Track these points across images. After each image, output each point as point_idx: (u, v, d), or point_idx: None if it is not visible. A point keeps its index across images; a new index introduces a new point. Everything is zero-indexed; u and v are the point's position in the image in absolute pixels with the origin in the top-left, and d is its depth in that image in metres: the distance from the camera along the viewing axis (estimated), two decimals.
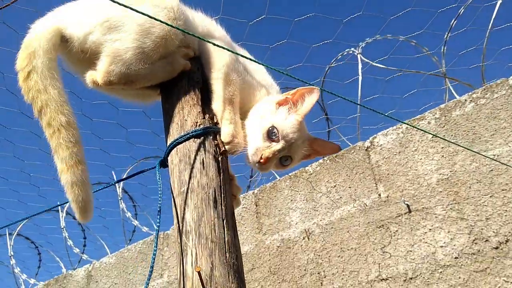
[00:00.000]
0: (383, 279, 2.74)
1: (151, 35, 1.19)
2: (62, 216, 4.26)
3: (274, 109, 1.38)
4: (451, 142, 2.62)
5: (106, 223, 5.36)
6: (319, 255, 3.04)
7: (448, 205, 2.68)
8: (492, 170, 2.61)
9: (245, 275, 3.40)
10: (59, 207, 4.36)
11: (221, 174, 1.13)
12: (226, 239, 1.03)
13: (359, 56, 3.36)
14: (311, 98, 1.36)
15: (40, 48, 1.21)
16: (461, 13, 3.50)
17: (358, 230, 2.95)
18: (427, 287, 2.57)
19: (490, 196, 2.56)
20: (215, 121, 1.22)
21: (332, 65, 3.56)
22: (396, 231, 2.80)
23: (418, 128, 2.91)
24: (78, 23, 1.24)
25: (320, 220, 3.13)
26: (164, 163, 1.21)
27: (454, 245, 2.58)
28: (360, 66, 3.29)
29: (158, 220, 1.04)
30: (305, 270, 3.05)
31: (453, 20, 3.53)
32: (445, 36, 3.55)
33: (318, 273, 2.98)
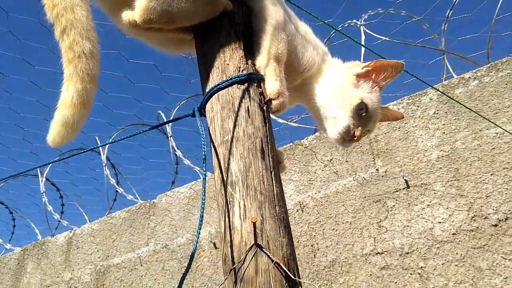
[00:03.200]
0: (378, 252, 2.72)
1: None
2: (42, 181, 4.08)
3: (356, 82, 1.34)
4: (477, 113, 2.59)
5: (84, 192, 5.21)
6: (312, 228, 3.00)
7: (448, 181, 2.67)
8: (494, 148, 2.60)
9: None
10: (39, 172, 4.19)
11: (267, 124, 1.03)
12: (275, 192, 0.94)
13: (362, 28, 3.28)
14: (395, 73, 1.36)
15: None
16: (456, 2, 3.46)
17: (354, 204, 2.92)
18: (424, 262, 2.57)
19: (491, 174, 2.56)
20: (257, 67, 1.12)
21: (335, 42, 3.48)
22: (393, 206, 2.78)
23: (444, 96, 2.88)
24: None
25: (315, 193, 3.09)
26: (200, 111, 1.10)
27: (452, 221, 2.57)
28: (363, 38, 3.21)
29: (204, 168, 0.94)
30: (298, 242, 3.01)
31: (449, 11, 3.50)
32: (447, 13, 3.52)
33: (312, 245, 2.95)
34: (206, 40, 1.15)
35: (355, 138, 1.28)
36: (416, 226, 2.66)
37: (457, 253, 2.49)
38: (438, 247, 2.55)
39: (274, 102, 1.09)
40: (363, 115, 1.30)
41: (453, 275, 2.46)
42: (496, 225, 2.45)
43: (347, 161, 3.08)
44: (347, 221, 2.90)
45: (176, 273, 3.47)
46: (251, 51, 1.13)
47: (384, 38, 3.21)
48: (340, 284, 2.75)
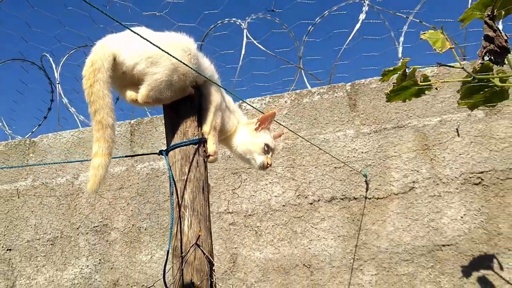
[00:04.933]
0: (230, 212, 3.67)
1: (178, 72, 1.68)
2: None
3: (255, 132, 2.11)
4: (286, 127, 3.56)
5: None
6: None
7: (286, 167, 3.69)
8: (320, 149, 3.68)
9: (114, 192, 3.99)
10: None
11: (206, 171, 1.77)
12: (207, 213, 1.71)
13: (245, 31, 4.01)
14: (272, 118, 2.15)
15: (103, 67, 1.60)
16: (317, 21, 4.39)
17: (217, 173, 3.79)
18: (260, 223, 3.59)
19: (315, 167, 3.64)
20: (202, 131, 1.82)
21: (216, 33, 4.13)
22: (246, 179, 3.72)
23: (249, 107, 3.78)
24: (131, 54, 1.64)
25: None
26: (161, 152, 1.78)
27: (284, 197, 3.62)
28: (245, 40, 3.95)
29: (172, 201, 1.64)
30: (168, 196, 3.79)
31: (310, 27, 4.41)
32: (309, 29, 4.43)
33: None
34: (173, 110, 1.81)
35: (269, 165, 2.10)
36: (259, 196, 3.66)
37: (283, 219, 3.56)
38: (271, 214, 3.59)
39: (210, 157, 1.83)
40: (268, 150, 2.11)
41: (278, 234, 3.54)
42: (311, 203, 3.56)
43: None
44: (210, 185, 3.76)
45: (54, 208, 3.98)
46: (199, 120, 1.84)
47: (257, 44, 4.00)
48: None
